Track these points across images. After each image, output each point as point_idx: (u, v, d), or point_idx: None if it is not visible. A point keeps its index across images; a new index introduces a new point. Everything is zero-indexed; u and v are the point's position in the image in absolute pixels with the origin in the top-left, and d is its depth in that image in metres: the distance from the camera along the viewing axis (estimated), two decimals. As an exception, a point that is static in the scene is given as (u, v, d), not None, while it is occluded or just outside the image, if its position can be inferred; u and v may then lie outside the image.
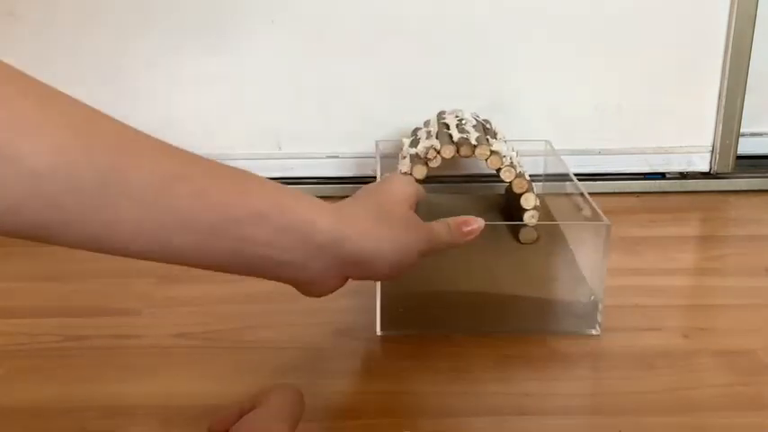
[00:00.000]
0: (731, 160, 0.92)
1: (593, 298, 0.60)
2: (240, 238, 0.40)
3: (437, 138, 0.71)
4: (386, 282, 0.58)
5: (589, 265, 0.61)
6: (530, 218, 0.68)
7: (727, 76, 0.89)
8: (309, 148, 0.91)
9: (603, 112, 0.91)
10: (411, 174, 0.69)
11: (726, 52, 0.88)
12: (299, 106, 0.90)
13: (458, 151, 0.68)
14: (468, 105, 0.90)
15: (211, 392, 0.53)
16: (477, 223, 0.51)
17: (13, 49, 0.86)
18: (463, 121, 0.74)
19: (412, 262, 0.48)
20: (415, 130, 0.80)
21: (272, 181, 0.44)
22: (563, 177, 0.74)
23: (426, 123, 0.80)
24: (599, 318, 0.60)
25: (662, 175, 0.93)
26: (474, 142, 0.68)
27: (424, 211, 0.73)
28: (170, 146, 0.39)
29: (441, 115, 0.79)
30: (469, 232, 0.51)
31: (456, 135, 0.70)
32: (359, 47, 0.88)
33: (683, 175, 0.94)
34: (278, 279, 0.45)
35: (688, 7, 0.87)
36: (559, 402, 0.52)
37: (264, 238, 0.41)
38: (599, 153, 0.93)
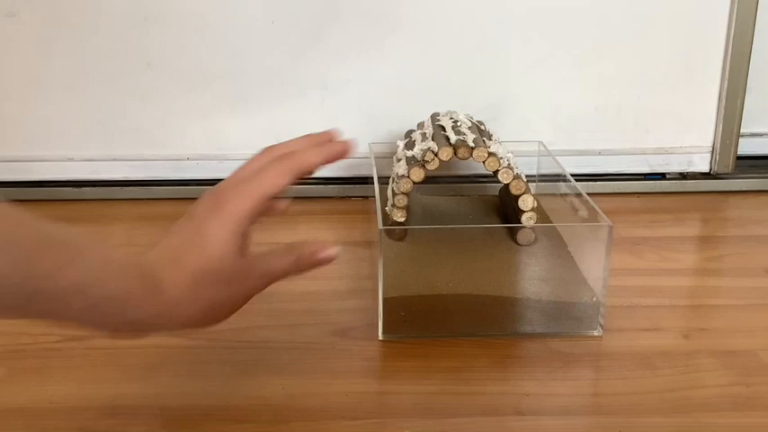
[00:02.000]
0: (731, 161, 0.92)
1: (594, 299, 0.60)
2: (59, 303, 0.39)
3: (433, 140, 0.71)
4: (388, 286, 0.58)
5: (590, 267, 0.61)
6: (528, 219, 0.68)
7: (727, 76, 0.89)
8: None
9: (603, 112, 0.91)
10: (408, 176, 0.68)
11: (726, 52, 0.88)
12: (299, 106, 0.90)
13: (455, 153, 0.68)
14: (468, 105, 0.90)
15: (211, 392, 0.53)
16: (328, 253, 0.47)
17: (14, 49, 0.86)
18: (458, 123, 0.74)
19: (244, 301, 0.47)
20: (409, 132, 0.80)
21: (103, 246, 0.42)
22: (557, 178, 0.74)
23: (420, 125, 0.80)
24: (601, 319, 0.60)
25: (662, 176, 0.94)
26: (471, 144, 0.68)
27: (420, 212, 0.73)
28: (3, 210, 0.37)
29: (435, 117, 0.78)
30: (319, 261, 0.47)
31: (453, 137, 0.70)
32: (359, 47, 0.88)
33: (684, 176, 0.94)
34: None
35: (688, 8, 0.88)
36: (559, 402, 0.52)
37: (80, 310, 0.40)
38: (599, 153, 0.93)
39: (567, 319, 0.61)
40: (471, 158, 0.67)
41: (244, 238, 0.46)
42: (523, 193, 0.68)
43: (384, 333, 0.59)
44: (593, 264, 0.60)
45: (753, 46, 0.88)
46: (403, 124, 0.85)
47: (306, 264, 0.47)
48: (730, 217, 0.88)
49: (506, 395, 0.52)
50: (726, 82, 0.89)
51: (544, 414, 0.50)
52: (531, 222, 0.68)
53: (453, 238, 0.63)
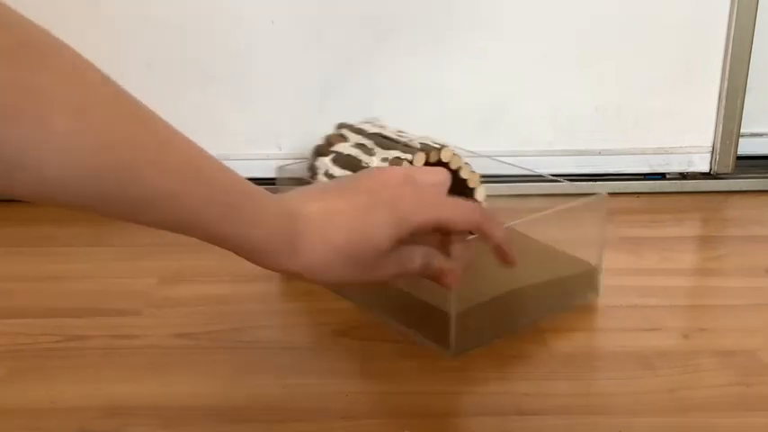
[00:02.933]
0: (731, 161, 0.92)
1: (595, 264, 0.65)
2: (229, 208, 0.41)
3: (385, 148, 0.68)
4: (456, 295, 0.55)
5: (587, 236, 0.65)
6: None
7: (727, 76, 0.89)
8: (309, 148, 0.91)
9: (603, 112, 0.91)
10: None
11: (726, 52, 0.88)
12: (299, 106, 0.90)
13: (427, 158, 0.66)
14: (468, 105, 0.90)
15: (211, 392, 0.53)
16: (450, 282, 0.48)
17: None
18: (388, 128, 0.72)
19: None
20: (323, 147, 0.72)
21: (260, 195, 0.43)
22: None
23: (333, 139, 0.72)
24: (600, 284, 0.64)
25: (662, 176, 0.94)
26: (437, 146, 0.67)
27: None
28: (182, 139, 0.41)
29: (356, 128, 0.73)
30: (441, 282, 0.48)
31: (415, 142, 0.68)
32: (359, 47, 0.88)
33: (684, 176, 0.94)
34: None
35: (688, 8, 0.88)
36: (559, 402, 0.52)
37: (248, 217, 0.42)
38: (599, 153, 0.93)
39: (569, 293, 0.64)
40: (439, 160, 0.66)
41: (399, 242, 0.45)
42: (479, 186, 0.69)
43: (456, 348, 0.57)
44: (591, 234, 0.64)
45: (753, 46, 0.88)
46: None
47: (431, 276, 0.48)
48: (730, 217, 0.88)
49: (506, 395, 0.52)
50: (726, 82, 0.89)
51: (544, 414, 0.50)
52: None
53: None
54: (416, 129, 0.73)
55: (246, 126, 0.91)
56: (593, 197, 0.63)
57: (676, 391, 0.53)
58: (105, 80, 0.41)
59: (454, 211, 0.47)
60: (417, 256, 0.47)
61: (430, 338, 0.59)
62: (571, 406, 0.51)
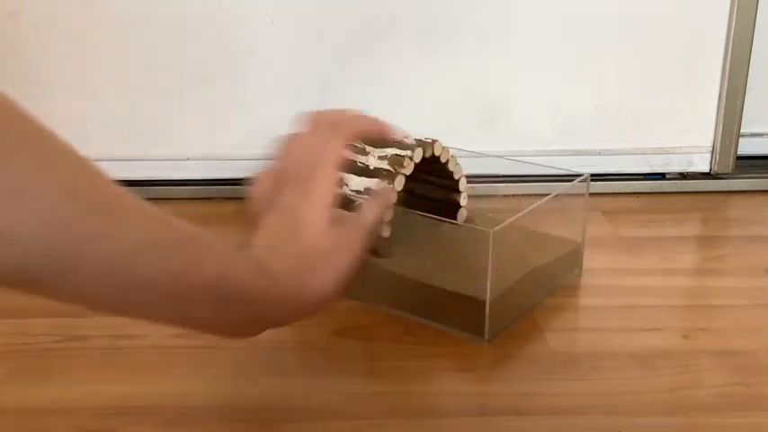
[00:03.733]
0: (731, 161, 0.92)
1: (579, 242, 0.69)
2: (189, 303, 0.40)
3: (380, 147, 0.68)
4: (490, 282, 0.57)
5: (570, 219, 0.69)
6: (463, 199, 0.71)
7: (727, 76, 0.89)
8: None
9: (604, 112, 0.91)
10: (393, 186, 0.65)
11: (726, 52, 0.88)
12: (299, 106, 0.90)
13: (424, 152, 0.67)
14: (468, 105, 0.90)
15: (211, 392, 0.53)
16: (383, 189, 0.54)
17: (14, 48, 0.86)
18: None
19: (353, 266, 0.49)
20: None
21: (225, 242, 0.43)
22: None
23: None
24: (582, 258, 0.69)
25: (662, 176, 0.94)
26: (429, 140, 0.67)
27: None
28: (147, 210, 0.39)
29: None
30: (381, 202, 0.54)
31: (410, 138, 0.68)
32: (359, 47, 0.88)
33: (684, 176, 0.94)
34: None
35: (688, 8, 0.88)
36: (559, 402, 0.52)
37: (208, 308, 0.41)
38: (599, 153, 0.93)
39: (556, 275, 0.68)
40: (432, 153, 0.67)
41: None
42: (462, 177, 0.70)
43: (489, 335, 0.59)
44: (575, 214, 0.68)
45: (753, 46, 0.88)
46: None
47: (378, 202, 0.54)
48: (730, 217, 0.88)
49: (506, 395, 0.52)
50: (726, 82, 0.89)
51: (544, 414, 0.50)
52: (465, 201, 0.71)
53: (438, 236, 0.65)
54: (417, 129, 0.73)
55: (246, 126, 0.91)
56: (577, 180, 0.67)
57: (676, 391, 0.53)
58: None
59: (337, 151, 0.52)
60: (358, 215, 0.52)
61: (462, 328, 0.60)
62: (571, 406, 0.51)
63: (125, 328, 0.61)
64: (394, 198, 0.64)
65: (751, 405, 0.51)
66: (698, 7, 0.87)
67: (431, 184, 0.72)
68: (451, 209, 0.72)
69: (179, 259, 0.39)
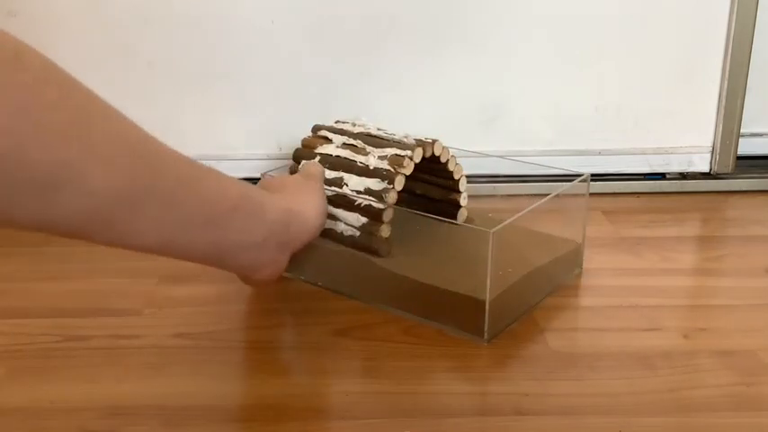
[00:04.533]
0: (731, 161, 0.92)
1: (579, 242, 0.70)
2: (223, 227, 0.50)
3: (380, 147, 0.67)
4: (490, 283, 0.58)
5: (570, 219, 0.70)
6: (464, 199, 0.72)
7: (727, 76, 0.89)
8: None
9: (603, 112, 0.91)
10: (393, 186, 0.64)
11: (726, 52, 0.88)
12: (299, 106, 0.90)
13: (424, 152, 0.67)
14: (469, 105, 0.90)
15: (211, 392, 0.53)
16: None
17: (14, 49, 0.86)
18: (372, 126, 0.72)
19: (325, 201, 0.62)
20: (303, 150, 0.72)
21: (226, 174, 0.52)
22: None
23: (307, 143, 0.72)
24: (582, 258, 0.70)
25: (662, 176, 0.94)
26: (429, 141, 0.67)
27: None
28: (175, 153, 0.46)
29: (333, 128, 0.72)
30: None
31: (410, 138, 0.68)
32: (359, 47, 0.88)
33: (683, 176, 0.94)
34: (239, 266, 0.55)
35: (688, 7, 0.88)
36: (559, 402, 0.52)
37: (238, 226, 0.51)
38: (599, 153, 0.93)
39: (557, 274, 0.68)
40: (432, 153, 0.67)
41: None
42: (461, 176, 0.70)
43: (489, 335, 0.59)
44: (575, 215, 0.69)
45: (753, 46, 0.88)
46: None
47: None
48: (730, 217, 0.88)
49: (506, 395, 0.52)
50: (726, 82, 0.89)
51: (544, 414, 0.50)
52: (465, 201, 0.72)
53: (439, 235, 0.66)
54: (417, 129, 0.73)
55: (246, 126, 0.91)
56: (577, 180, 0.67)
57: (676, 391, 0.53)
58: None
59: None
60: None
61: (462, 328, 0.60)
62: (571, 406, 0.51)
63: (125, 328, 0.61)
64: (394, 198, 0.64)
65: (751, 405, 0.51)
66: (698, 7, 0.87)
67: (431, 184, 0.72)
68: (452, 209, 0.72)
69: (211, 188, 0.49)
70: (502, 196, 0.83)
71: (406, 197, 0.75)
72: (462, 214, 0.72)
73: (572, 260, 0.70)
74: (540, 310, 0.64)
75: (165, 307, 0.65)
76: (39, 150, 0.37)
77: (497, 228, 0.56)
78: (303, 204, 0.59)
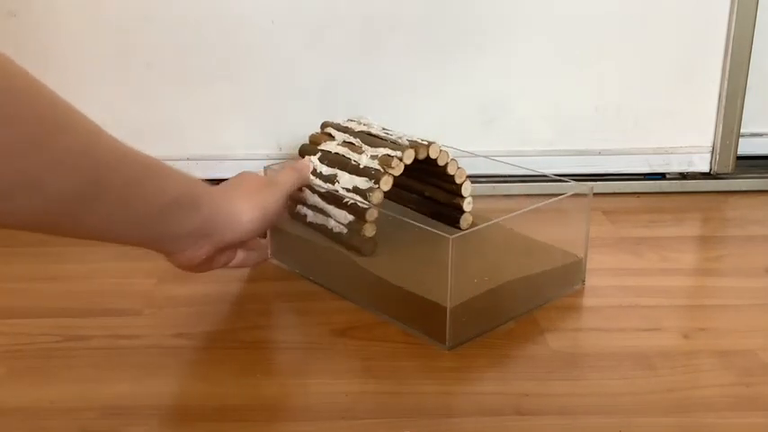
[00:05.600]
0: (731, 161, 0.92)
1: (580, 257, 0.67)
2: (161, 222, 0.53)
3: (374, 146, 0.67)
4: (453, 289, 0.56)
5: (574, 230, 0.67)
6: (467, 204, 0.71)
7: (727, 76, 0.89)
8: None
9: (603, 112, 0.91)
10: (379, 186, 0.64)
11: (726, 52, 0.88)
12: (299, 106, 0.90)
13: (417, 154, 0.66)
14: (468, 106, 0.90)
15: (211, 392, 0.53)
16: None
17: (14, 49, 0.86)
18: (383, 128, 0.72)
19: (274, 210, 0.62)
20: (308, 146, 0.73)
21: (171, 168, 0.54)
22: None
23: (313, 139, 0.73)
24: (585, 273, 0.67)
25: (662, 176, 0.94)
26: (425, 143, 0.67)
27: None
28: (125, 156, 0.49)
29: (339, 126, 0.73)
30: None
31: (404, 139, 0.68)
32: (359, 47, 0.88)
33: (683, 176, 0.94)
34: (162, 249, 0.57)
35: (688, 8, 0.88)
36: (559, 402, 0.52)
37: (174, 219, 0.53)
38: (599, 153, 0.93)
39: (554, 284, 0.66)
40: (428, 156, 0.66)
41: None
42: (465, 181, 0.70)
43: (450, 342, 0.58)
44: (577, 225, 0.67)
45: (753, 46, 0.88)
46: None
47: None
48: (730, 217, 0.88)
49: (506, 395, 0.52)
50: (726, 82, 0.89)
51: (544, 414, 0.50)
52: (470, 206, 0.71)
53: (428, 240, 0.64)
54: (416, 129, 0.73)
55: (246, 126, 0.91)
56: (579, 189, 0.65)
57: (676, 391, 0.53)
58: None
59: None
60: (287, 175, 0.66)
61: (426, 333, 0.59)
62: (571, 406, 0.51)
63: (125, 328, 0.61)
64: (379, 198, 0.64)
65: (751, 405, 0.51)
66: (698, 7, 0.87)
67: (437, 187, 0.72)
68: (455, 213, 0.71)
69: (155, 185, 0.51)
70: (503, 196, 0.82)
71: (415, 198, 0.75)
72: (466, 219, 0.71)
73: (572, 274, 0.68)
74: (540, 310, 0.64)
75: (165, 307, 0.65)
76: None
77: (457, 235, 0.54)
78: (241, 206, 0.59)
